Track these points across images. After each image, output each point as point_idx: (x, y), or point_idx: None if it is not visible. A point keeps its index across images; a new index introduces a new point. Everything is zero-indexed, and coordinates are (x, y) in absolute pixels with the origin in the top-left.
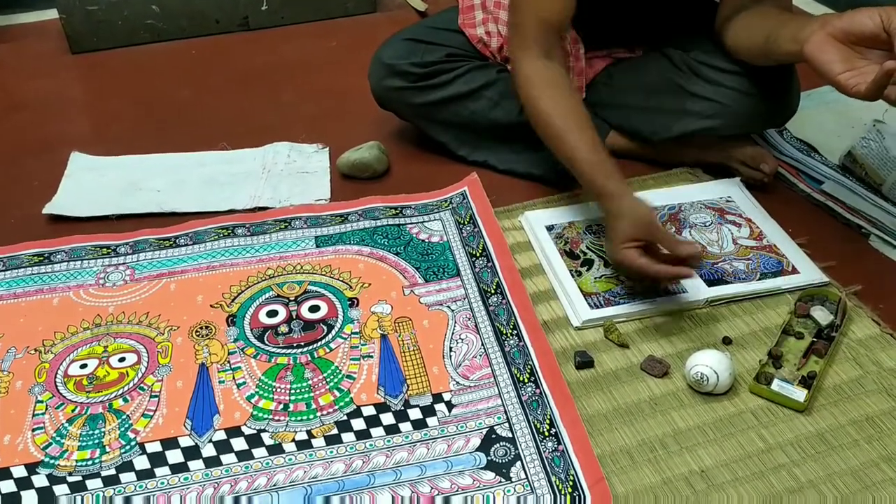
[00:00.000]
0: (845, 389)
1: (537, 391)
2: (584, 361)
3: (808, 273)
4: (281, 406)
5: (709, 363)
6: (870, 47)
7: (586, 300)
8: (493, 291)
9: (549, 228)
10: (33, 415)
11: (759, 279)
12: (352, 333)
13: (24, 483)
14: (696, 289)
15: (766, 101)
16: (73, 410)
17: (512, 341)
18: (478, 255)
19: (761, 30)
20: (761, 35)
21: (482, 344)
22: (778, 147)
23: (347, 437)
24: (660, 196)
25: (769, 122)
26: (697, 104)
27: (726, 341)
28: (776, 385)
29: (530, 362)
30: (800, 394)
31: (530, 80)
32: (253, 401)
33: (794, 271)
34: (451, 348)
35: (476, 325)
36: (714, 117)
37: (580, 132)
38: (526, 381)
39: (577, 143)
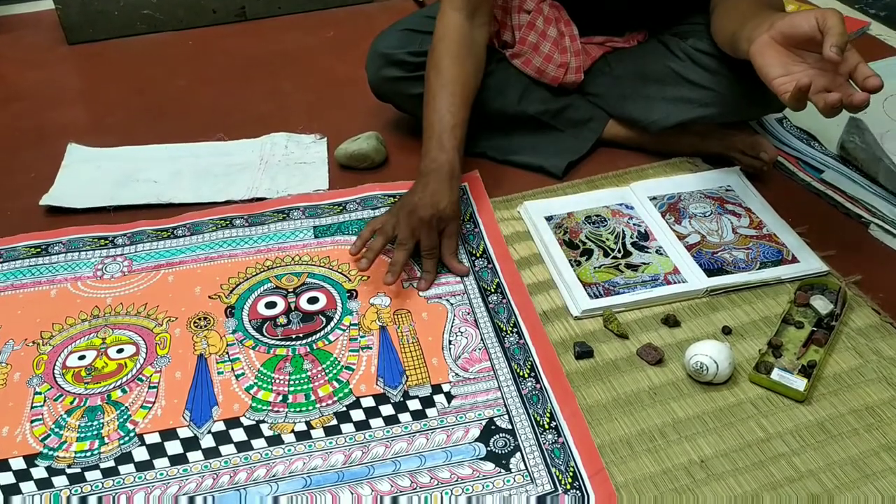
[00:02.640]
0: (845, 378)
1: (537, 386)
2: (583, 352)
3: (808, 262)
4: (280, 397)
5: (708, 353)
6: (808, 50)
7: (585, 290)
8: (493, 290)
9: (549, 218)
10: (32, 406)
11: (759, 269)
12: (350, 325)
13: (22, 475)
14: (695, 279)
15: (763, 87)
16: (71, 402)
17: (512, 338)
18: (478, 255)
19: (731, 24)
20: (731, 29)
21: (482, 339)
22: (777, 136)
23: (347, 427)
24: (659, 185)
25: (767, 108)
26: (695, 92)
27: (726, 331)
28: (776, 374)
29: (530, 359)
30: (800, 383)
31: (443, 35)
32: (252, 392)
33: (794, 260)
34: (450, 341)
35: (475, 321)
36: (712, 105)
37: (452, 96)
38: (526, 376)
39: (442, 105)
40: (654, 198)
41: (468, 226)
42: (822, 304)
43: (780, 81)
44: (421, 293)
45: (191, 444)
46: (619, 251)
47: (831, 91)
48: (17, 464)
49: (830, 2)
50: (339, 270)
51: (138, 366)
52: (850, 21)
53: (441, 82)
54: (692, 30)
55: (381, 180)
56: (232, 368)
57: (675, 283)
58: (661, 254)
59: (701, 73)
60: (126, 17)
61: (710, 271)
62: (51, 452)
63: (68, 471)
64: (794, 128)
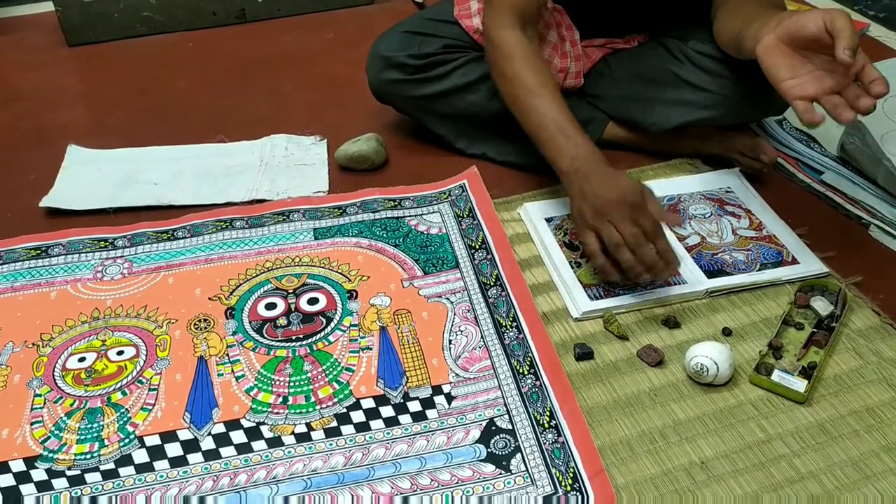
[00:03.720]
0: (845, 380)
1: (537, 383)
2: (583, 353)
3: (808, 263)
4: (280, 399)
5: (709, 354)
6: (814, 51)
7: (586, 291)
8: (492, 284)
9: (549, 220)
10: (31, 408)
11: (759, 270)
12: (351, 326)
13: (22, 477)
14: (696, 280)
15: (763, 89)
16: (71, 404)
17: (511, 333)
18: (477, 247)
19: (737, 23)
20: (736, 29)
21: (482, 336)
22: (777, 137)
23: (347, 429)
24: (659, 187)
25: (767, 110)
26: (695, 94)
27: (726, 332)
28: (776, 376)
29: (530, 354)
30: (800, 384)
31: (511, 51)
32: (252, 394)
33: (794, 262)
34: (450, 340)
35: (475, 318)
36: (712, 107)
37: (550, 97)
38: (526, 373)
39: (546, 108)
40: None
41: (467, 220)
42: (822, 306)
43: (788, 85)
44: (422, 292)
45: (191, 446)
46: None
47: (839, 93)
48: (17, 466)
49: (830, 3)
50: (339, 271)
51: (138, 368)
52: None
53: (532, 92)
54: (692, 32)
55: (381, 182)
56: (232, 370)
57: (675, 284)
58: None
59: (701, 76)
60: (126, 18)
61: (711, 272)
62: (51, 454)
63: (68, 473)
64: (793, 129)
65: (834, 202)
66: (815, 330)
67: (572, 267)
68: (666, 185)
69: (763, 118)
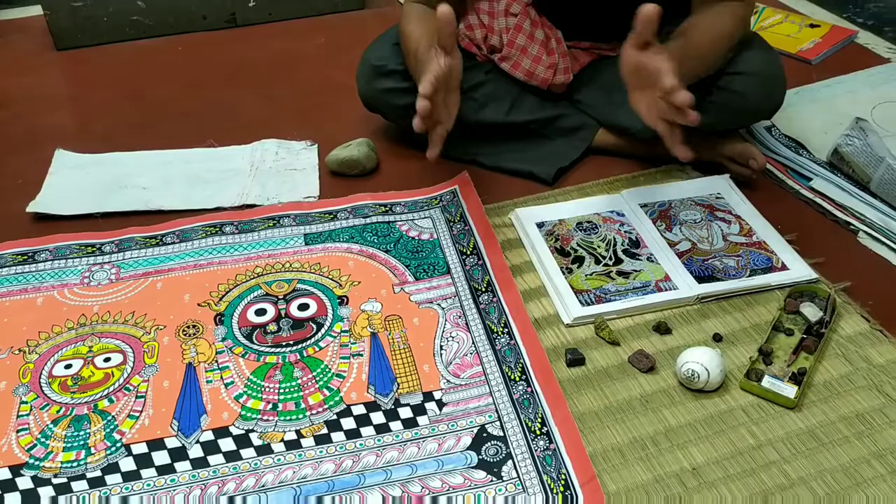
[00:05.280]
0: (835, 386)
1: (528, 389)
2: (575, 359)
3: (798, 269)
4: (270, 405)
5: (699, 360)
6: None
7: (577, 297)
8: (483, 289)
9: (540, 225)
10: (17, 416)
11: (749, 276)
12: (341, 332)
13: (8, 485)
14: (686, 286)
15: (751, 95)
16: (57, 411)
17: (503, 340)
18: (468, 252)
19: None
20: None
21: (473, 342)
22: (766, 144)
23: (337, 436)
24: (649, 193)
25: (755, 116)
26: None
27: (717, 338)
28: (766, 382)
29: (521, 361)
30: (790, 390)
31: (406, 14)
32: (241, 400)
33: (784, 268)
34: (441, 346)
35: (467, 323)
36: (700, 114)
37: (424, 38)
38: (517, 379)
39: (421, 49)
40: (645, 205)
41: (458, 226)
42: (811, 312)
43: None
44: (413, 298)
45: (179, 453)
46: (610, 258)
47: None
48: (3, 474)
49: (818, 10)
50: (330, 277)
51: (125, 375)
52: (837, 30)
53: (414, 40)
54: None
55: (372, 187)
56: (221, 377)
57: (666, 290)
58: (652, 261)
59: None
60: (115, 22)
61: (701, 278)
62: (37, 462)
63: (54, 481)
64: (782, 136)
65: (823, 208)
66: (804, 336)
67: (564, 273)
68: (656, 190)
69: (752, 123)
